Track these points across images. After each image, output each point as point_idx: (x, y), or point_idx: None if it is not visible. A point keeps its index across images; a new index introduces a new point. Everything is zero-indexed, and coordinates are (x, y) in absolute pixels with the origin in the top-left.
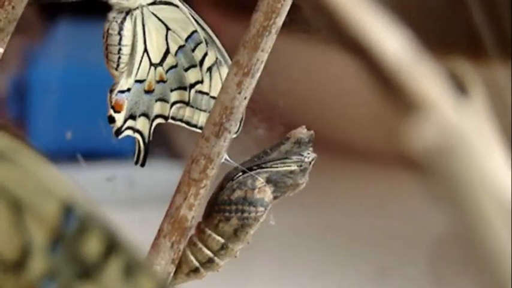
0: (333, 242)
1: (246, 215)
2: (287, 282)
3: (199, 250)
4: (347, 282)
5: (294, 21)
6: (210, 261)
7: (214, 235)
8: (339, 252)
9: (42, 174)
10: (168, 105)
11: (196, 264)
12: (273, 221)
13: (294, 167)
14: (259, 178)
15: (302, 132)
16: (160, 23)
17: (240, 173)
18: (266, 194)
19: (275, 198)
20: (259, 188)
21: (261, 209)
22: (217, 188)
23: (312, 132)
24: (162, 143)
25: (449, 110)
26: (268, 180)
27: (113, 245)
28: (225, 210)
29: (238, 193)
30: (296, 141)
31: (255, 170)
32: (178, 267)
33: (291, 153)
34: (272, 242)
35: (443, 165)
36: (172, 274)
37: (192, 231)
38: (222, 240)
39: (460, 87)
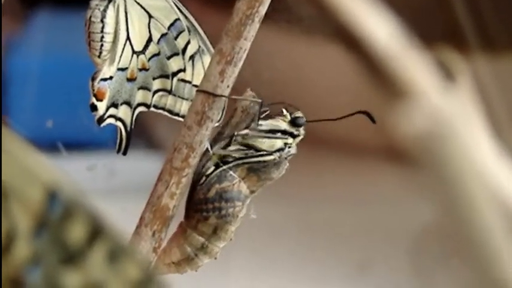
0: (315, 233)
1: (223, 212)
2: (267, 275)
3: (181, 246)
4: (329, 273)
5: (277, 11)
6: (189, 259)
7: (194, 234)
8: (320, 244)
9: (27, 160)
10: (151, 94)
11: (179, 257)
12: (254, 214)
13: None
14: (233, 173)
15: (246, 98)
16: (143, 10)
17: (213, 167)
18: (242, 188)
19: (252, 192)
20: (234, 183)
21: (239, 203)
22: (191, 186)
23: (253, 94)
24: (142, 133)
25: (437, 97)
26: (249, 171)
27: (97, 231)
28: (202, 209)
29: (214, 191)
30: (243, 110)
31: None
32: (161, 257)
33: (242, 124)
34: (252, 235)
35: (431, 151)
36: (153, 263)
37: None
38: (202, 240)
39: (447, 74)
